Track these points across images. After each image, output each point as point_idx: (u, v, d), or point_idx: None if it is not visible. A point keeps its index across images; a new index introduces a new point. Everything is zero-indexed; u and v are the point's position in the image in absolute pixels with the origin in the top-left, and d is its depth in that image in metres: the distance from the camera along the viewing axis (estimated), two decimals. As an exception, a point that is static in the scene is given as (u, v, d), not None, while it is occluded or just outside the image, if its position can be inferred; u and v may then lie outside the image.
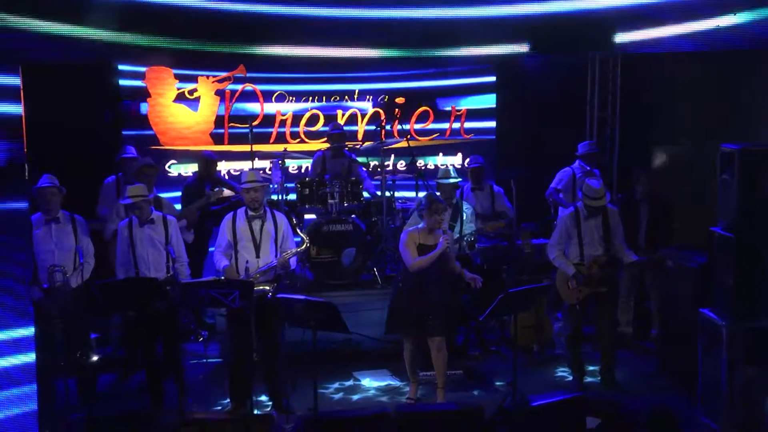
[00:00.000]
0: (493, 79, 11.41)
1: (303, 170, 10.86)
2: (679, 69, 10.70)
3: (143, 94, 10.60)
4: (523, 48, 10.44)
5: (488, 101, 11.46)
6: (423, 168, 10.70)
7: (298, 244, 7.75)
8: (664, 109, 10.88)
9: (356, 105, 11.17)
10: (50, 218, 7.49)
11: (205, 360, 8.58)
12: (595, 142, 10.58)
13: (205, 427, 6.56)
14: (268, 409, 7.65)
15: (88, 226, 7.78)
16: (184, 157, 10.74)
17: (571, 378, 8.25)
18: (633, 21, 9.99)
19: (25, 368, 6.07)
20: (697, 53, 10.31)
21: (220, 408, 7.76)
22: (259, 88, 10.93)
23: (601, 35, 10.15)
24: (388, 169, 10.26)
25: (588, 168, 9.75)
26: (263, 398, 7.79)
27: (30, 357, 6.05)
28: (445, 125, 11.41)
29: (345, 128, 10.38)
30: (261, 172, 9.62)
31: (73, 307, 7.34)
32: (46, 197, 7.46)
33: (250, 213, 7.52)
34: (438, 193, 8.48)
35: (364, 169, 10.09)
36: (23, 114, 5.95)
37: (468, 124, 11.45)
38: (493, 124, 11.47)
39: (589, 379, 8.18)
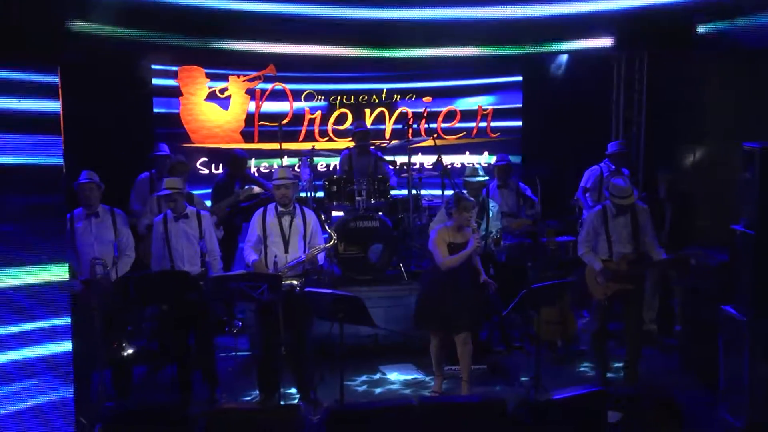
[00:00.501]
0: (519, 78, 11.52)
1: (331, 168, 11.03)
2: (707, 67, 10.70)
3: (176, 93, 10.84)
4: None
5: (514, 100, 11.57)
6: (449, 166, 10.83)
7: (326, 240, 7.90)
8: (690, 108, 10.90)
9: (383, 103, 11.36)
10: (90, 213, 7.69)
11: (234, 353, 8.78)
12: (625, 141, 10.61)
13: (234, 417, 6.69)
14: (296, 401, 7.82)
15: (127, 220, 7.98)
16: (214, 154, 10.95)
17: (593, 373, 8.34)
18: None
19: (62, 357, 6.25)
20: (727, 51, 10.30)
21: (248, 399, 7.94)
22: (288, 87, 11.12)
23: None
24: (414, 167, 10.38)
25: (614, 167, 9.80)
26: (291, 391, 7.96)
27: (67, 346, 6.24)
28: (472, 124, 11.55)
29: (372, 127, 10.56)
30: (291, 169, 9.82)
31: (111, 299, 7.50)
32: (84, 192, 7.67)
33: (280, 209, 7.68)
34: (465, 191, 8.62)
35: (391, 167, 10.23)
36: (61, 112, 6.12)
37: (494, 123, 11.58)
38: (519, 123, 11.58)
39: (611, 375, 8.27)
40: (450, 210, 7.76)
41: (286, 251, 7.59)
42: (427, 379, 8.36)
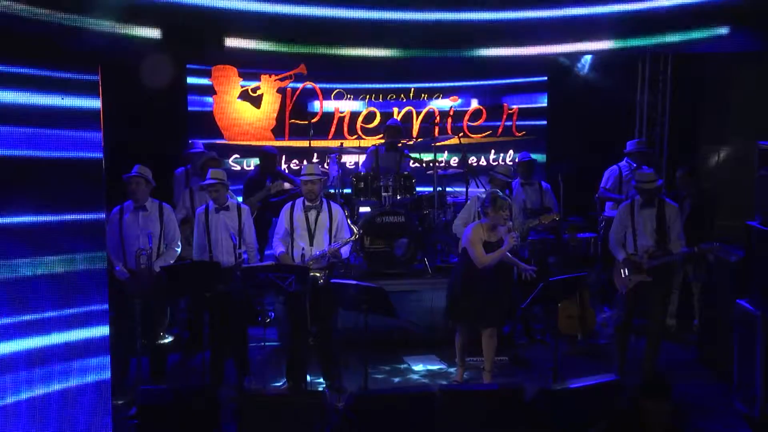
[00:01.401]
0: (544, 78, 11.74)
1: (360, 165, 11.30)
2: (731, 68, 10.86)
3: (210, 92, 11.18)
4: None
5: (540, 100, 11.79)
6: (475, 164, 11.07)
7: (350, 235, 8.15)
8: (714, 108, 11.06)
9: (411, 102, 11.64)
10: (138, 206, 7.97)
11: (263, 344, 9.08)
12: (645, 140, 10.76)
13: (262, 401, 6.98)
14: (322, 389, 8.10)
15: (174, 215, 8.27)
16: (246, 151, 11.28)
17: (612, 365, 8.54)
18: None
19: (100, 340, 6.56)
20: (751, 53, 10.44)
21: (277, 386, 8.24)
22: (318, 86, 11.43)
23: None
24: (440, 164, 10.62)
25: (635, 166, 9.97)
26: (318, 381, 8.20)
27: (105, 330, 6.55)
28: (498, 123, 11.78)
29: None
30: (320, 166, 10.12)
31: (153, 288, 7.83)
32: (131, 186, 7.94)
33: (307, 203, 7.96)
34: (490, 186, 8.87)
35: (419, 165, 10.47)
36: (101, 108, 6.44)
37: (519, 122, 11.81)
38: (544, 122, 11.80)
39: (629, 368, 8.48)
40: (486, 209, 7.89)
41: (312, 244, 7.86)
42: (450, 369, 8.59)
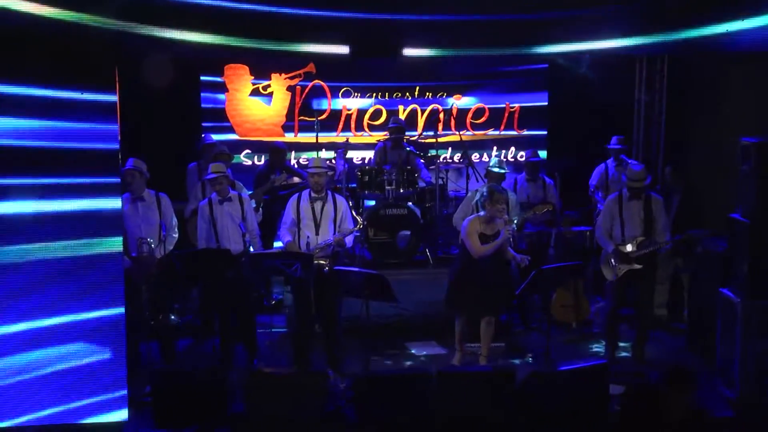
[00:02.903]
0: (545, 77, 12.09)
1: (366, 161, 11.69)
2: (727, 69, 11.12)
3: (222, 89, 11.60)
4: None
5: (540, 99, 12.16)
6: (477, 160, 11.47)
7: (354, 225, 8.52)
8: (709, 107, 11.34)
9: (416, 101, 12.03)
10: (136, 197, 8.35)
11: (270, 330, 9.48)
12: (623, 138, 10.89)
13: (268, 380, 7.37)
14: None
15: (171, 203, 8.64)
16: (257, 147, 11.70)
17: (603, 352, 8.90)
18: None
19: (115, 320, 6.99)
20: (746, 53, 10.70)
21: (283, 369, 8.63)
22: (327, 84, 11.83)
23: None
24: (442, 160, 11.00)
25: (621, 161, 10.30)
26: (324, 366, 8.60)
27: (121, 310, 6.99)
28: (500, 121, 12.15)
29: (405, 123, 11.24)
30: (327, 161, 10.55)
31: (156, 274, 8.24)
32: (126, 178, 8.27)
33: (313, 195, 8.32)
34: (486, 180, 9.26)
35: (422, 160, 10.87)
36: (118, 103, 6.86)
37: (521, 120, 12.18)
38: (544, 120, 12.16)
39: (621, 354, 8.84)
40: (483, 202, 8.31)
41: (317, 233, 8.23)
42: (449, 354, 8.95)
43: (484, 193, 8.33)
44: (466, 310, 8.50)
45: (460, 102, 12.01)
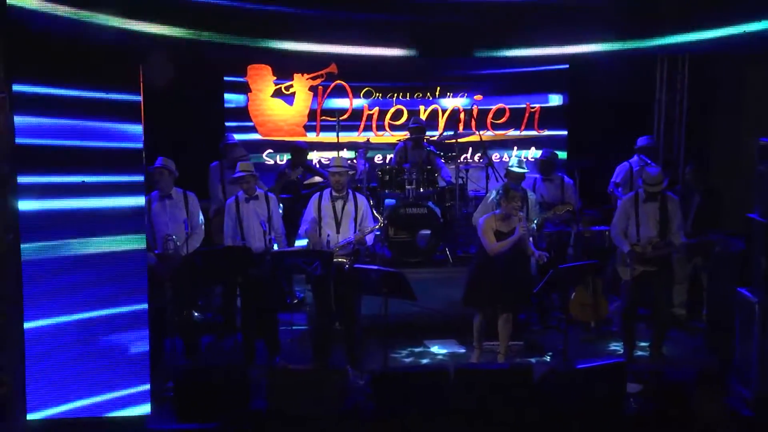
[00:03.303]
0: (565, 77, 12.14)
1: (387, 160, 11.80)
2: (748, 69, 11.12)
3: (245, 89, 11.74)
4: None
5: (561, 99, 12.20)
6: (498, 160, 11.54)
7: (374, 224, 8.63)
8: (730, 107, 11.35)
9: (437, 101, 12.11)
10: (163, 195, 8.47)
11: (290, 327, 9.58)
12: (654, 136, 11.11)
13: (289, 376, 7.49)
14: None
15: (198, 202, 8.76)
16: (279, 146, 11.83)
17: (622, 351, 8.94)
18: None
19: (139, 317, 7.14)
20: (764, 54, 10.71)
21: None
22: (348, 84, 11.94)
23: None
24: (462, 160, 11.10)
25: (646, 161, 10.33)
26: (344, 363, 8.69)
27: (144, 306, 7.13)
28: (520, 121, 12.21)
29: (426, 123, 11.33)
30: (348, 161, 10.65)
31: (181, 272, 8.34)
32: (155, 177, 8.44)
33: (334, 194, 8.43)
34: (506, 179, 9.34)
35: (442, 160, 10.96)
36: (142, 103, 7.00)
37: (541, 120, 12.23)
38: (564, 120, 12.21)
39: (639, 353, 8.88)
40: (499, 200, 8.39)
41: (338, 232, 8.34)
42: (468, 353, 9.03)
43: (500, 191, 8.42)
44: (483, 306, 8.59)
45: (480, 101, 12.06)
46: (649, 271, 8.44)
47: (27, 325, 6.87)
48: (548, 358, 8.89)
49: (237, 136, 10.72)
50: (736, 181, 10.38)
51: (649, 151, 10.41)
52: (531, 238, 9.47)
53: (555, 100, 12.25)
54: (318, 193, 8.62)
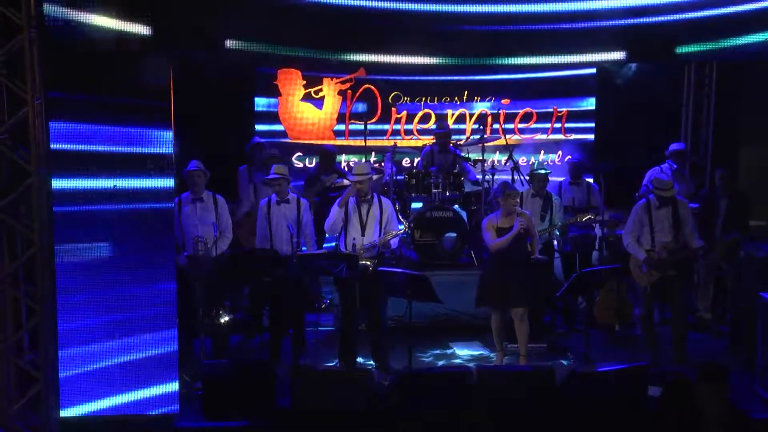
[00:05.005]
0: (593, 82, 12.18)
1: (415, 164, 11.89)
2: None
3: (275, 93, 11.92)
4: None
5: (588, 103, 12.25)
6: (526, 164, 11.65)
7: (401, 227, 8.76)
8: (758, 111, 11.35)
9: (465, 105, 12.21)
10: (196, 197, 8.66)
11: (316, 328, 9.73)
12: (684, 143, 11.13)
13: (315, 376, 7.64)
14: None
15: (228, 205, 8.96)
16: (308, 150, 11.99)
17: (646, 354, 8.99)
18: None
19: (168, 317, 7.33)
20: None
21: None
22: (377, 88, 12.08)
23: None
24: (488, 163, 11.20)
25: (676, 167, 10.39)
26: (368, 362, 8.77)
27: (173, 307, 7.32)
28: (547, 125, 12.26)
29: (453, 127, 11.44)
30: (376, 164, 10.78)
31: (211, 273, 8.50)
32: (192, 179, 8.65)
33: (359, 197, 8.61)
34: (531, 183, 9.50)
35: (469, 164, 11.04)
36: (172, 107, 7.18)
37: (568, 125, 12.29)
38: (592, 125, 12.25)
39: (662, 357, 8.92)
40: (498, 199, 8.58)
41: (363, 235, 8.48)
42: (492, 355, 9.13)
43: (498, 191, 8.62)
44: (494, 305, 8.71)
45: (507, 106, 12.14)
46: (666, 276, 8.50)
47: (60, 325, 7.08)
48: (570, 361, 8.93)
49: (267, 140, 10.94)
50: (763, 185, 10.43)
51: (678, 157, 10.44)
52: (555, 242, 9.64)
53: (583, 104, 12.26)
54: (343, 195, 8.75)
